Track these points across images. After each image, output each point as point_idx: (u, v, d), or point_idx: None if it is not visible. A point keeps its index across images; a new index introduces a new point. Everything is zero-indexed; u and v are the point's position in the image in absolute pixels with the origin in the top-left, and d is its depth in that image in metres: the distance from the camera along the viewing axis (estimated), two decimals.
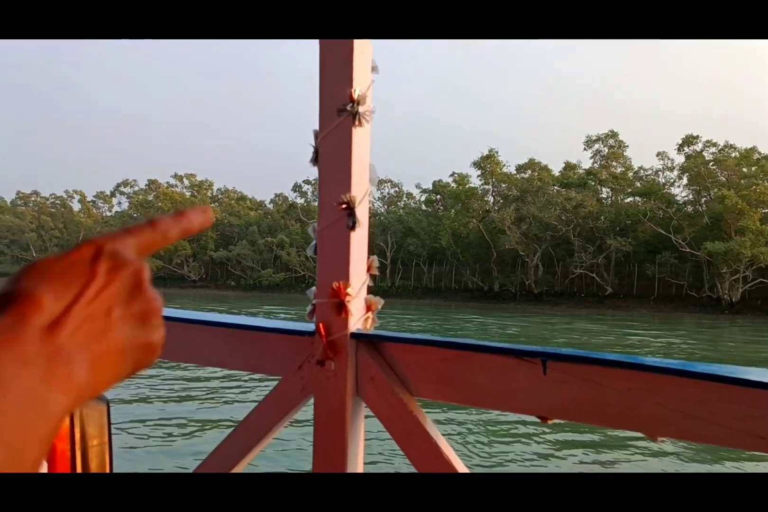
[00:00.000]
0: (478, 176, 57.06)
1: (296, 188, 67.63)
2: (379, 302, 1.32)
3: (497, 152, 56.18)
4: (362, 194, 1.28)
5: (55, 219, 75.69)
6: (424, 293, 56.42)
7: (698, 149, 49.35)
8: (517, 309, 44.58)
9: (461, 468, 1.19)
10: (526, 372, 1.11)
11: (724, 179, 47.16)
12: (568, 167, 56.40)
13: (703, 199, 48.97)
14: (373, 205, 66.44)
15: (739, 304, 43.40)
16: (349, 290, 1.24)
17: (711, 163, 47.77)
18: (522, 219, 51.38)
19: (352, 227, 1.25)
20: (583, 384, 1.07)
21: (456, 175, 59.86)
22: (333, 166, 1.27)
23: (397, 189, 66.15)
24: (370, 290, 1.33)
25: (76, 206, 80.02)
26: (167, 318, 1.56)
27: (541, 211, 49.92)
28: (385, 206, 65.99)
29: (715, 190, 46.36)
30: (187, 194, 72.92)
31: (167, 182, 73.55)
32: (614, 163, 54.91)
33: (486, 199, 57.05)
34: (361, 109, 1.24)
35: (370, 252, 1.33)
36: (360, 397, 1.27)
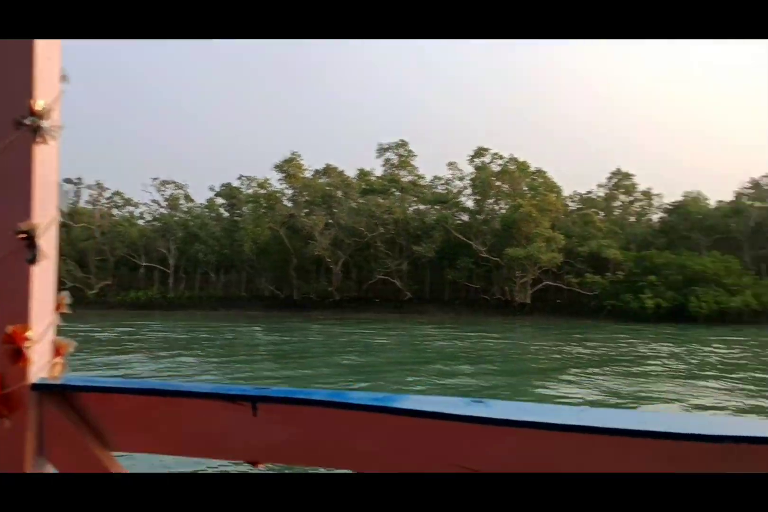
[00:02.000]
0: (279, 180, 57.25)
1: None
2: (70, 345, 1.23)
3: (299, 156, 56.92)
4: (47, 221, 1.18)
5: None
6: (218, 303, 55.05)
7: (487, 161, 54.60)
8: (322, 317, 45.35)
9: None
10: (236, 415, 1.10)
11: (509, 189, 52.72)
12: (363, 174, 59.10)
13: (494, 208, 54.19)
14: (149, 208, 63.23)
15: (529, 306, 48.76)
16: (28, 334, 1.14)
17: (498, 174, 53.03)
18: (329, 225, 52.63)
19: (33, 260, 1.15)
20: (294, 425, 1.09)
21: (244, 179, 59.32)
22: (9, 189, 1.16)
23: (182, 191, 63.45)
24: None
25: None
26: None
27: (351, 217, 51.58)
28: (167, 210, 62.89)
29: (507, 200, 51.91)
30: None
31: None
32: (402, 172, 58.75)
33: (287, 203, 57.34)
34: (44, 123, 1.15)
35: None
36: (45, 458, 1.17)
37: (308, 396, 1.10)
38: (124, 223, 60.20)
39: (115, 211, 62.50)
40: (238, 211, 59.86)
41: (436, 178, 58.18)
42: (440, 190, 57.21)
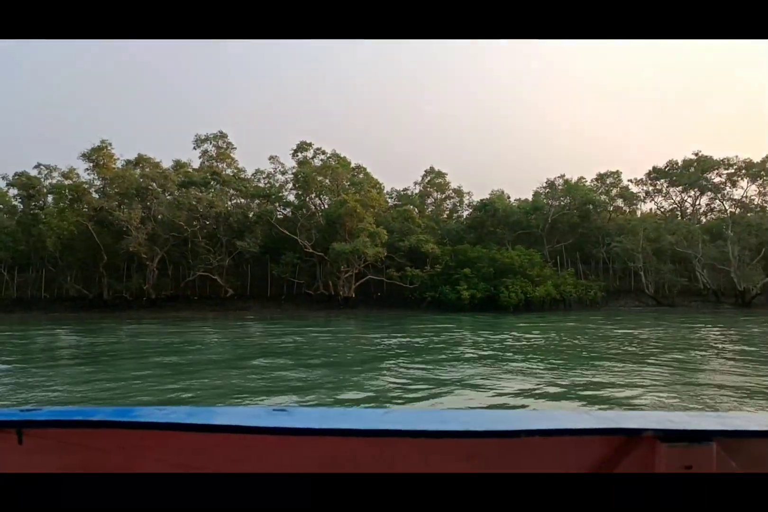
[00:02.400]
0: (87, 170, 52.47)
1: None
2: None
3: (110, 144, 52.64)
4: None
5: None
6: (14, 305, 49.70)
7: (309, 156, 54.45)
8: (137, 317, 42.49)
9: None
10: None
11: (331, 185, 52.96)
12: (179, 165, 56.37)
13: (317, 202, 54.19)
14: None
15: (353, 299, 49.46)
16: None
17: (320, 169, 53.03)
18: (144, 219, 49.38)
19: None
20: (69, 451, 0.96)
21: (43, 168, 53.65)
22: None
23: None
24: None
25: None
26: None
27: (170, 211, 48.79)
28: None
29: (330, 195, 52.05)
30: None
31: None
32: (222, 165, 56.81)
33: (96, 196, 52.76)
34: None
35: None
36: None
37: (86, 416, 0.97)
38: None
39: None
40: (36, 204, 53.92)
41: (258, 171, 56.75)
42: (262, 184, 56.06)
